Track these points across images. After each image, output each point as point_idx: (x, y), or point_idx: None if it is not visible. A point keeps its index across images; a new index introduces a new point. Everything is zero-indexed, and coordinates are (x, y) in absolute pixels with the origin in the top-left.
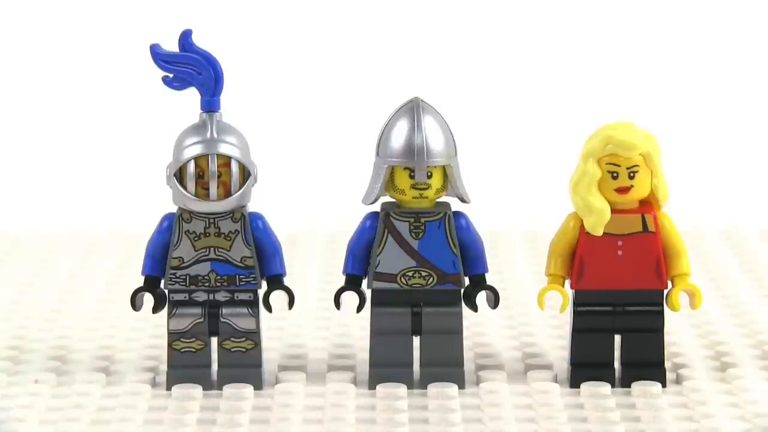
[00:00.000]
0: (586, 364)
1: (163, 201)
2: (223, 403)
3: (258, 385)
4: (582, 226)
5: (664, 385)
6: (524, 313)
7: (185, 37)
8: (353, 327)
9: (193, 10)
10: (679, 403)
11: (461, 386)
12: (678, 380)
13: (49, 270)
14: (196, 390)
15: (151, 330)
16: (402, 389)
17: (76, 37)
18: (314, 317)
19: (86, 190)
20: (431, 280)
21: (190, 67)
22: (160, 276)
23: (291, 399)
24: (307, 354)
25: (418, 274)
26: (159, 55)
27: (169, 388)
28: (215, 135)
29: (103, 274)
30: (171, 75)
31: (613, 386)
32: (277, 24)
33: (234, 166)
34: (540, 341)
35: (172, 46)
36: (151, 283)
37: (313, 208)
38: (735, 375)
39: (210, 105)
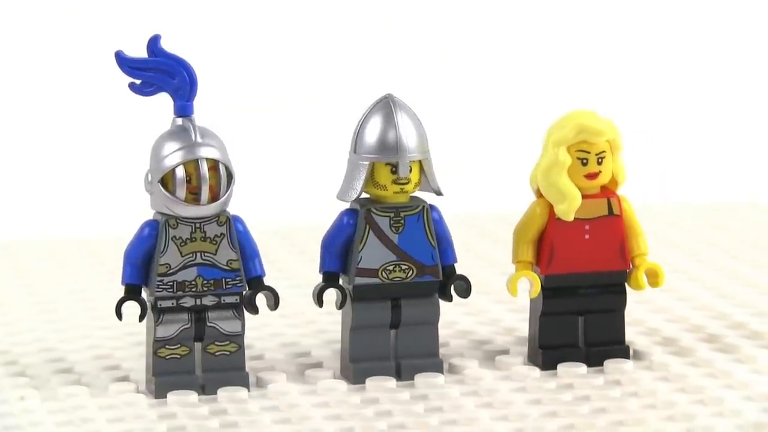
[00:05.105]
0: (553, 347)
1: (125, 207)
2: (219, 406)
3: (245, 388)
4: (550, 213)
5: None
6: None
7: (154, 43)
8: (322, 323)
9: (160, 12)
10: (660, 377)
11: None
12: (638, 357)
13: (12, 280)
14: (192, 396)
15: (126, 339)
16: (391, 382)
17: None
18: (279, 315)
19: (46, 197)
20: (411, 273)
21: (163, 73)
22: (141, 284)
23: (288, 399)
24: (277, 355)
25: (399, 267)
26: (126, 61)
27: (158, 397)
28: (200, 139)
29: (67, 281)
30: (138, 81)
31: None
32: (243, 23)
33: (222, 169)
34: (498, 326)
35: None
36: (133, 292)
37: (272, 207)
38: (687, 349)
39: (185, 110)
